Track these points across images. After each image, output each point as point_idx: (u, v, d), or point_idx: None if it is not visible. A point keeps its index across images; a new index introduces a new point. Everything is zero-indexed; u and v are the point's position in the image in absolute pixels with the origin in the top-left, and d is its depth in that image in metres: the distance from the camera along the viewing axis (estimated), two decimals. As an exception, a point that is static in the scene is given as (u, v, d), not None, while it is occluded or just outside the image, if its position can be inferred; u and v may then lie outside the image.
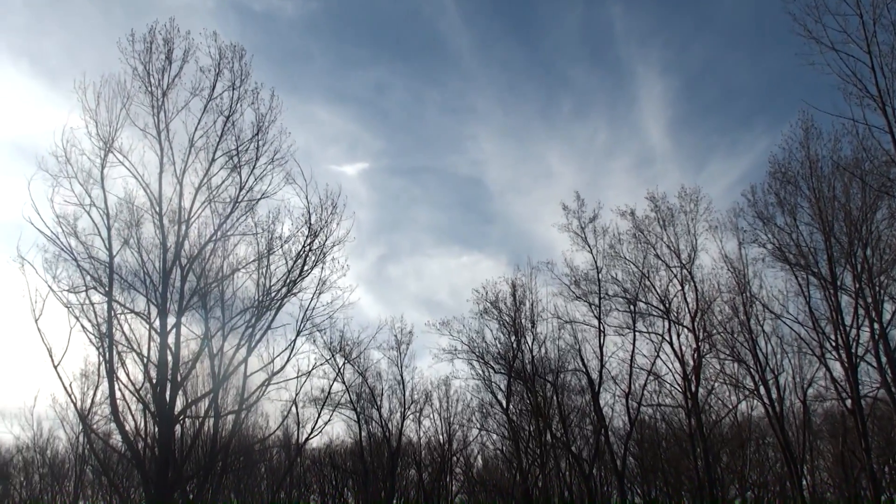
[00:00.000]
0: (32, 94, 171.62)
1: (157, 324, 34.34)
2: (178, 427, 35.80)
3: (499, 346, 61.36)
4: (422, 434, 76.28)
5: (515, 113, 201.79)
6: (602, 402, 57.53)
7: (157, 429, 33.97)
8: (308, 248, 36.05)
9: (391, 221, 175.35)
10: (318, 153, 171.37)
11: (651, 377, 56.59)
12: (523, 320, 60.11)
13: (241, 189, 35.38)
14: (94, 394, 37.48)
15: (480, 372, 63.15)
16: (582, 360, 57.30)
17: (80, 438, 68.74)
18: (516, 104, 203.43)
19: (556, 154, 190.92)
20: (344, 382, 65.37)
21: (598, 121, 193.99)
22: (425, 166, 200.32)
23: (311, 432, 48.74)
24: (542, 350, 60.42)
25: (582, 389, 63.12)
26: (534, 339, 60.14)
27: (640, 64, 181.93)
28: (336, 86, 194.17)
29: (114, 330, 33.43)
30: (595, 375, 56.05)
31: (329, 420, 61.09)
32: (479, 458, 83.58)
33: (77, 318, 33.42)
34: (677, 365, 54.19)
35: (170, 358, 33.53)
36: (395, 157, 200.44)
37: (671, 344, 54.07)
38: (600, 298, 55.51)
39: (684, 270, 53.70)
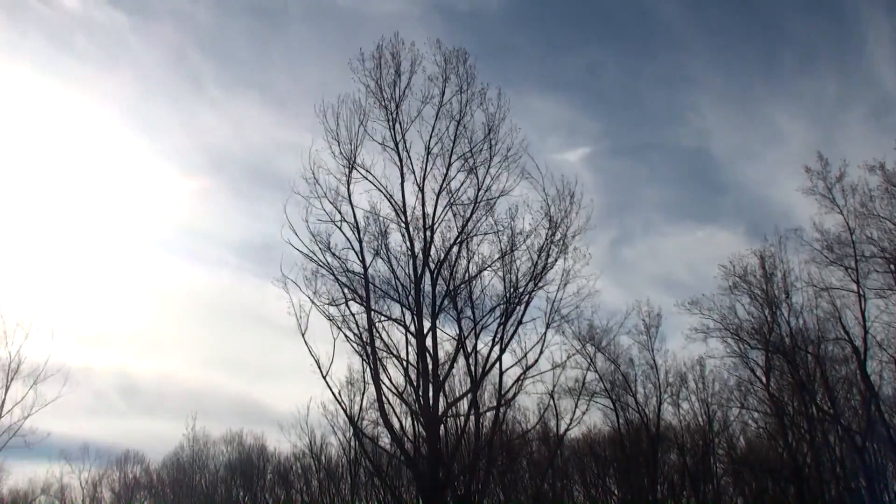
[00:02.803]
0: (265, 122, 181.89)
1: (412, 328, 35.67)
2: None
3: (752, 320, 59.27)
4: (681, 417, 74.62)
5: (735, 75, 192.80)
6: (868, 370, 54.42)
7: (422, 429, 35.19)
8: (550, 240, 36.20)
9: (620, 203, 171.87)
10: (538, 143, 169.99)
11: (923, 339, 52.87)
12: (776, 292, 57.79)
13: (478, 189, 36.17)
14: (362, 399, 39.05)
15: (736, 349, 61.16)
16: (843, 327, 54.34)
17: (352, 443, 72.29)
18: (735, 66, 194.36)
19: (783, 113, 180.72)
20: (597, 371, 65.15)
21: (825, 72, 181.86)
22: (648, 143, 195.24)
23: (571, 423, 48.70)
24: (800, 321, 57.89)
25: (845, 358, 59.91)
26: (790, 311, 57.71)
27: (863, 4, 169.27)
28: (548, 73, 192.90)
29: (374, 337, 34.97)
30: (859, 343, 53.10)
31: (587, 410, 60.85)
32: (742, 438, 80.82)
33: (340, 329, 35.28)
34: (953, 323, 50.48)
35: (429, 360, 34.67)
36: (616, 137, 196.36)
37: (943, 301, 50.39)
38: (856, 261, 52.32)
39: (948, 220, 49.83)
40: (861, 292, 52.21)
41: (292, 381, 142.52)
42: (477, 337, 37.58)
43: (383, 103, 35.57)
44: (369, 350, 34.81)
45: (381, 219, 36.62)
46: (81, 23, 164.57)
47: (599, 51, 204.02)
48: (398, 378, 36.56)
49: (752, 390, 65.77)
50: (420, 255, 35.55)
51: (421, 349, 34.63)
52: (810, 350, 57.66)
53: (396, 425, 38.28)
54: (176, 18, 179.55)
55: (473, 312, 38.20)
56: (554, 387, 43.19)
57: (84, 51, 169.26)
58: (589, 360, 61.73)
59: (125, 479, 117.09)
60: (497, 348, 36.36)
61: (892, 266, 51.14)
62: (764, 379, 60.96)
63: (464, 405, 45.90)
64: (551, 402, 48.02)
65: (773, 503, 73.56)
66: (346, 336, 35.31)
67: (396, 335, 36.68)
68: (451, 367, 37.91)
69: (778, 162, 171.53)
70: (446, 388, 43.87)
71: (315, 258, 35.31)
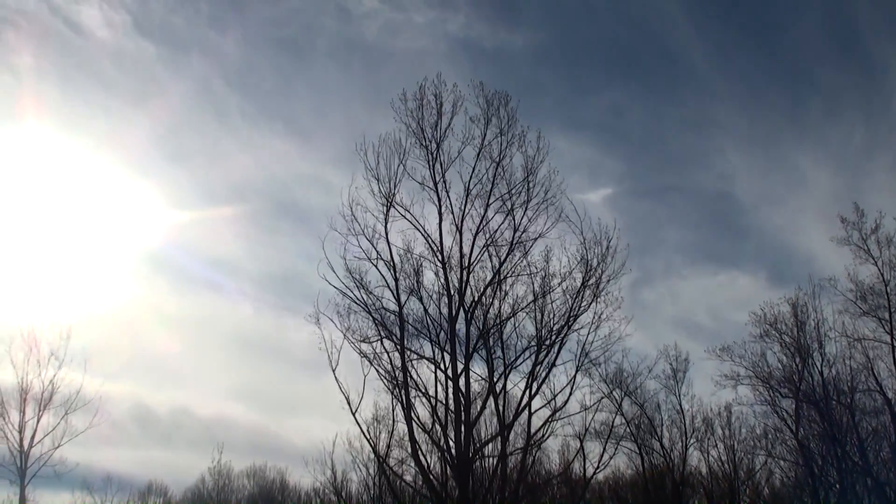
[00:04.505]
0: (288, 155, 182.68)
1: (442, 367, 35.64)
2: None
3: (782, 368, 58.97)
4: (710, 463, 73.72)
5: (761, 121, 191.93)
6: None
7: (449, 469, 35.14)
8: (585, 284, 36.19)
9: (641, 245, 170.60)
10: (548, 181, 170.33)
11: (957, 393, 52.31)
12: (809, 341, 57.43)
13: (515, 231, 36.29)
14: (390, 437, 39.20)
15: (766, 396, 60.81)
16: (875, 378, 54.01)
17: (376, 480, 72.03)
18: (761, 111, 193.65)
19: (808, 159, 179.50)
20: (623, 415, 64.64)
21: (852, 120, 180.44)
22: (671, 185, 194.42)
23: (598, 467, 48.20)
24: (833, 371, 57.40)
25: (877, 410, 59.32)
26: (823, 360, 57.27)
27: (892, 55, 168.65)
28: (572, 114, 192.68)
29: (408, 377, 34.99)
30: (891, 395, 52.78)
31: (614, 454, 60.39)
32: (767, 486, 79.79)
33: (372, 365, 35.38)
34: None
35: (461, 400, 34.63)
36: (639, 179, 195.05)
37: (977, 354, 49.92)
38: (890, 312, 52.08)
39: (984, 273, 49.53)
40: (895, 344, 51.86)
41: (310, 415, 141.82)
42: (506, 378, 37.52)
43: (424, 143, 35.95)
44: (402, 389, 34.87)
45: (416, 258, 36.75)
46: (111, 52, 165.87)
47: (624, 92, 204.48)
48: (424, 415, 36.55)
49: (780, 438, 65.21)
50: (456, 296, 35.63)
51: (456, 390, 34.59)
52: (842, 400, 57.13)
53: (423, 464, 38.20)
54: (203, 50, 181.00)
55: (504, 353, 38.17)
56: (586, 430, 42.98)
57: (112, 80, 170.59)
58: (617, 404, 61.25)
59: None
60: (527, 391, 36.26)
61: (928, 317, 50.85)
62: (793, 427, 60.39)
63: (490, 446, 45.78)
64: (580, 445, 47.78)
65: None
66: (378, 373, 35.45)
67: (425, 373, 36.63)
68: (483, 408, 37.90)
69: (801, 208, 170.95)
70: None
71: (350, 295, 35.57)
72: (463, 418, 34.46)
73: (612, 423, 56.13)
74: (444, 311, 36.09)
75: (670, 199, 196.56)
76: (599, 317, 36.54)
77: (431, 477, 37.21)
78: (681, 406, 69.92)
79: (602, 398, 51.13)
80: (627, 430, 66.50)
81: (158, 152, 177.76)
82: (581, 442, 45.63)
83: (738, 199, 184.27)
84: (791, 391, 58.64)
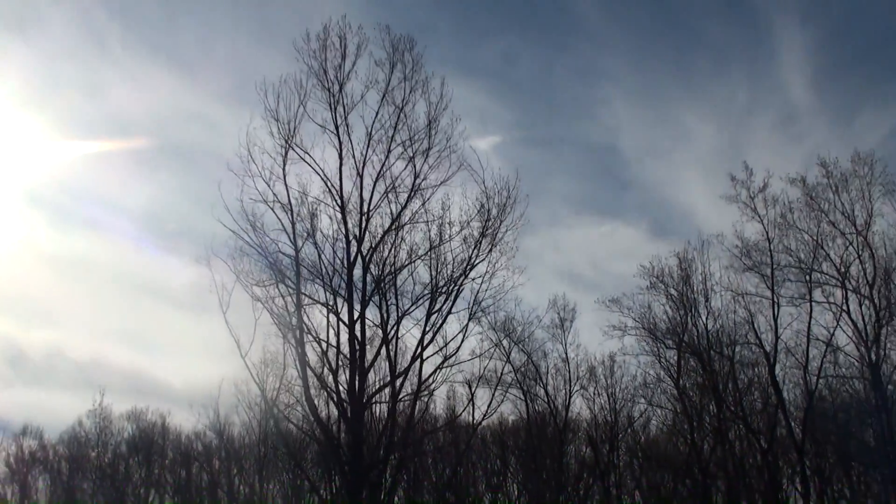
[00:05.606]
0: (171, 89, 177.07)
1: (337, 312, 35.38)
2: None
3: (667, 319, 60.54)
4: (594, 410, 75.29)
5: (649, 74, 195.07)
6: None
7: (340, 415, 35.10)
8: (483, 234, 36.23)
9: (527, 194, 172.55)
10: (450, 129, 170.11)
11: (830, 348, 54.49)
12: (696, 295, 59.01)
13: (416, 178, 35.91)
14: (280, 382, 38.68)
15: (651, 347, 62.43)
16: (756, 332, 55.82)
17: (262, 424, 71.73)
18: (649, 64, 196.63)
19: (693, 114, 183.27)
20: (511, 363, 65.44)
21: (736, 77, 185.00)
22: (558, 136, 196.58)
23: (487, 413, 48.92)
24: (718, 324, 59.18)
25: (755, 362, 61.54)
26: (708, 313, 59.05)
27: (778, 14, 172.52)
28: (464, 59, 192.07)
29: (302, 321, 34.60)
30: (769, 348, 54.64)
31: (503, 401, 61.15)
32: (646, 433, 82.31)
33: (265, 308, 34.71)
34: (857, 335, 52.13)
35: (356, 346, 34.46)
36: (528, 128, 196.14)
37: (849, 314, 52.03)
38: (772, 269, 53.80)
39: (860, 237, 51.50)
40: (775, 300, 53.73)
41: (191, 357, 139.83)
42: (398, 325, 37.42)
43: (326, 85, 35.01)
44: (295, 333, 34.51)
45: (314, 201, 36.07)
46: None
47: (515, 39, 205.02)
48: (314, 360, 36.19)
49: (661, 388, 67.12)
50: (354, 241, 35.25)
51: (352, 335, 34.38)
52: (723, 352, 58.97)
53: (315, 408, 37.97)
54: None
55: (398, 301, 37.98)
56: (479, 378, 43.33)
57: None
58: (506, 353, 62.00)
59: (21, 453, 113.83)
60: (422, 336, 36.24)
61: (806, 276, 52.71)
62: (675, 377, 62.14)
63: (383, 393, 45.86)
64: (465, 391, 48.19)
65: (668, 496, 75.30)
66: (271, 317, 34.87)
67: (317, 318, 36.37)
68: (378, 354, 37.76)
69: (683, 162, 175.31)
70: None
71: (245, 238, 34.68)
72: (358, 364, 34.29)
73: (501, 370, 56.73)
74: (341, 256, 35.72)
75: (557, 149, 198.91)
76: (494, 266, 36.74)
77: (321, 421, 37.15)
78: (566, 355, 71.30)
79: (494, 346, 51.83)
80: (514, 377, 67.48)
81: (36, 83, 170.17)
82: (472, 389, 46.18)
83: (622, 152, 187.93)
84: (675, 342, 60.28)
